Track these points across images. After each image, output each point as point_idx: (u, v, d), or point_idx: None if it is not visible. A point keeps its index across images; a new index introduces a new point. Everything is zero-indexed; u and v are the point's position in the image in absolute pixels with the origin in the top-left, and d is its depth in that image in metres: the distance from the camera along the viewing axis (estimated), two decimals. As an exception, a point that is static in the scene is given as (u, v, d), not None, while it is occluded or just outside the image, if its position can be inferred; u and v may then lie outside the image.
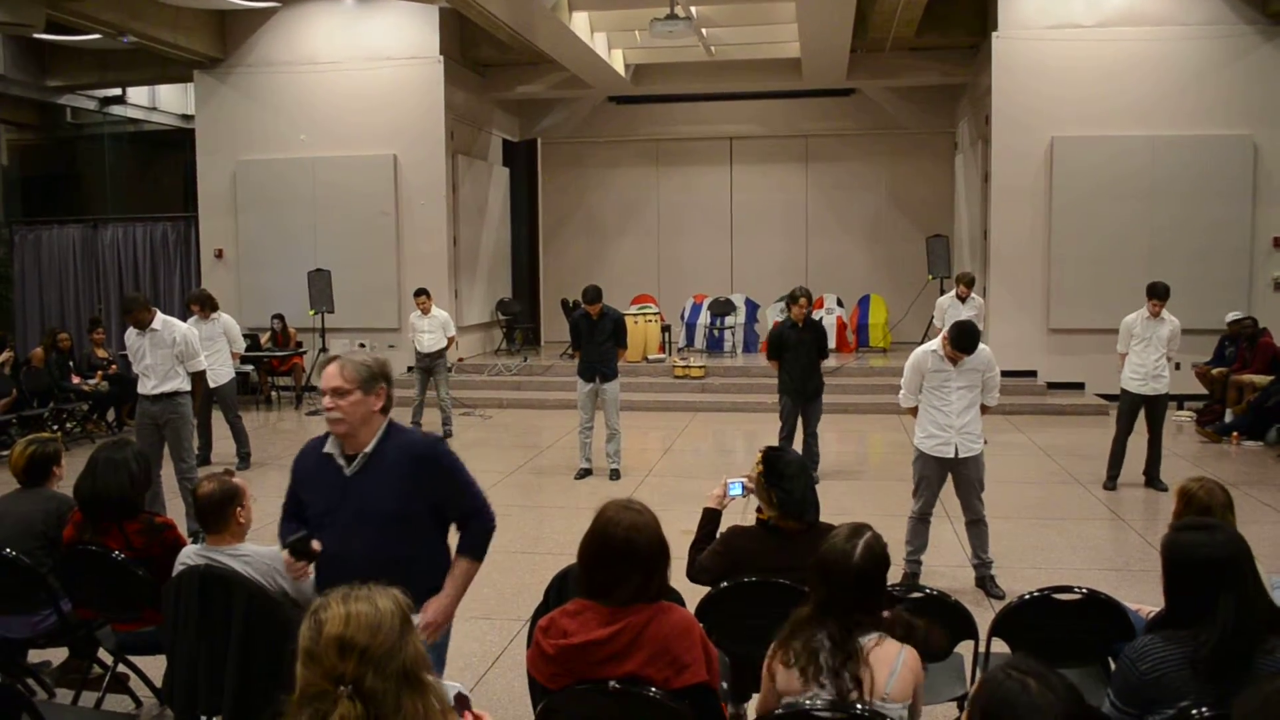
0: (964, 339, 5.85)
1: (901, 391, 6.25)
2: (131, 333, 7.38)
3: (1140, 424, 8.60)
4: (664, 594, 2.86)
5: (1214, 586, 2.67)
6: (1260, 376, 10.85)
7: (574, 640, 2.72)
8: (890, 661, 2.69)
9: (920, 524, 6.14)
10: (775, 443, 8.65)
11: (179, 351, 7.27)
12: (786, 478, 3.73)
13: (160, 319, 7.34)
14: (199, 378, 7.52)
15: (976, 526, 6.07)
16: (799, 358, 8.80)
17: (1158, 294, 8.42)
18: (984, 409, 6.10)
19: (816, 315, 15.18)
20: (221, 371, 9.64)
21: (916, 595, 3.70)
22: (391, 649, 2.02)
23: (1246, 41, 12.78)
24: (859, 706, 2.63)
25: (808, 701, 2.67)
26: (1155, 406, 8.52)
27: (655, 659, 2.71)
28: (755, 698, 3.56)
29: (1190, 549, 2.76)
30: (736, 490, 4.00)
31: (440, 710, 2.08)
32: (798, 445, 8.84)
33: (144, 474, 4.36)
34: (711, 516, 4.04)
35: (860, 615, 2.74)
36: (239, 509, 3.75)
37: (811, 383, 8.84)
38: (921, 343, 6.47)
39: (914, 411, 6.19)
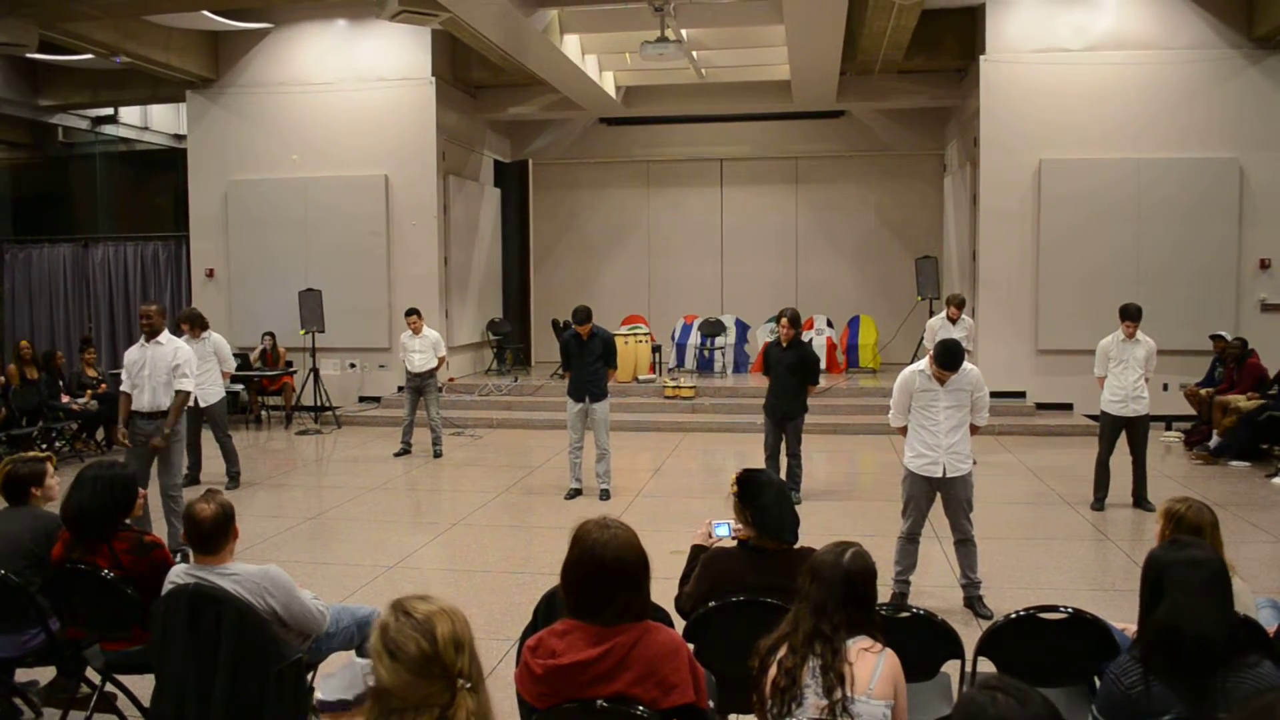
0: (947, 357, 5.89)
1: (891, 411, 6.28)
2: (135, 346, 7.44)
3: (1124, 445, 8.64)
4: (649, 611, 2.88)
5: (1189, 601, 2.73)
6: (1239, 396, 10.89)
7: (562, 660, 2.73)
8: (873, 661, 2.79)
9: (909, 544, 6.15)
10: (763, 463, 8.72)
11: (176, 366, 7.32)
12: (760, 497, 3.76)
13: (165, 334, 7.43)
14: (184, 397, 7.54)
15: (965, 546, 6.09)
16: (779, 378, 8.83)
17: (1130, 315, 8.49)
18: (973, 429, 6.13)
19: (806, 336, 15.27)
20: (212, 391, 9.63)
21: (904, 615, 3.72)
22: (471, 636, 2.12)
23: (1232, 65, 12.91)
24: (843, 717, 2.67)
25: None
26: (1136, 428, 8.55)
27: (643, 679, 2.72)
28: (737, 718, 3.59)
29: (1184, 568, 2.81)
30: (723, 531, 4.01)
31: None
32: (782, 466, 8.87)
33: (129, 493, 4.35)
34: (698, 553, 4.05)
35: (847, 615, 2.84)
36: (236, 527, 3.76)
37: (790, 404, 8.81)
38: (911, 363, 6.51)
39: (904, 431, 6.22)
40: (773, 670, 2.81)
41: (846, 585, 2.86)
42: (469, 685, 2.02)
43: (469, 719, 2.02)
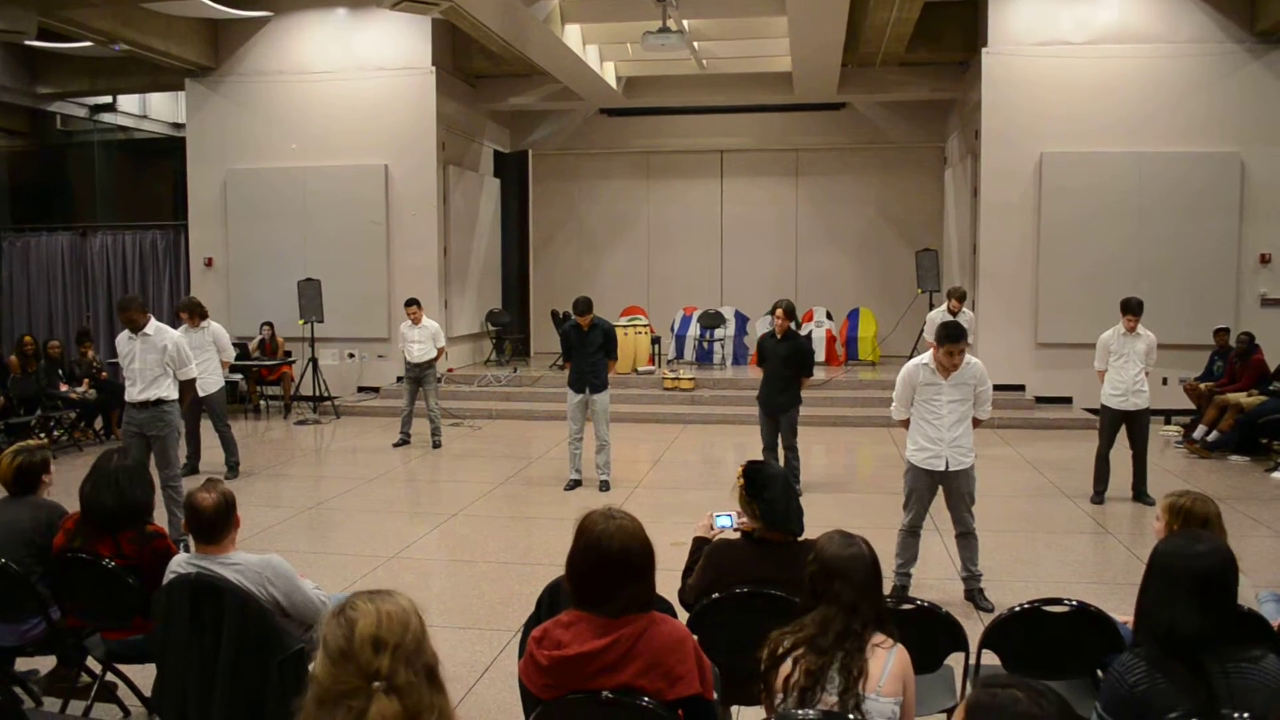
0: (950, 327, 5.93)
1: (894, 404, 6.28)
2: (124, 336, 7.39)
3: (1125, 438, 8.64)
4: (654, 602, 2.87)
5: (1198, 596, 2.72)
6: (1239, 394, 10.88)
7: (568, 651, 2.71)
8: (883, 658, 2.77)
9: (910, 537, 6.14)
10: (761, 455, 8.71)
11: (169, 358, 7.28)
12: (768, 490, 3.74)
13: (153, 324, 7.37)
14: (189, 386, 7.52)
15: (966, 539, 6.08)
16: (773, 369, 8.80)
17: (1131, 309, 8.50)
18: (975, 422, 6.13)
19: (806, 328, 15.26)
20: (211, 380, 9.61)
21: (907, 607, 3.71)
22: (419, 645, 2.08)
23: (1234, 59, 12.89)
24: (852, 716, 2.65)
25: (800, 713, 2.69)
26: (1137, 421, 8.56)
27: (649, 671, 2.70)
28: (740, 709, 3.58)
29: (1199, 559, 2.80)
30: (725, 522, 4.00)
31: (450, 707, 2.15)
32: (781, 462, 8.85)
33: (153, 484, 4.43)
34: (701, 545, 4.03)
35: (875, 610, 2.83)
36: (238, 516, 3.75)
37: (782, 396, 8.77)
38: (911, 356, 6.49)
39: (906, 424, 6.21)
40: (787, 667, 2.76)
41: (875, 579, 2.87)
42: (383, 688, 1.99)
43: None
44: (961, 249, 15.11)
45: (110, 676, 4.34)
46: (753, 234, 17.81)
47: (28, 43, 13.60)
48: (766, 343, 8.92)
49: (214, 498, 3.65)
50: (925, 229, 16.80)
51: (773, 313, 8.85)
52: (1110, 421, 8.65)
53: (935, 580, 6.45)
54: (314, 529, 8.12)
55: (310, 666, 2.09)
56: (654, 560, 2.85)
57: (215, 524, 3.65)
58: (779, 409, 8.80)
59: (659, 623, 2.78)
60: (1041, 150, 13.20)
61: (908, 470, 6.14)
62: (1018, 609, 3.64)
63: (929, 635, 3.61)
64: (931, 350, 6.03)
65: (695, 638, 2.88)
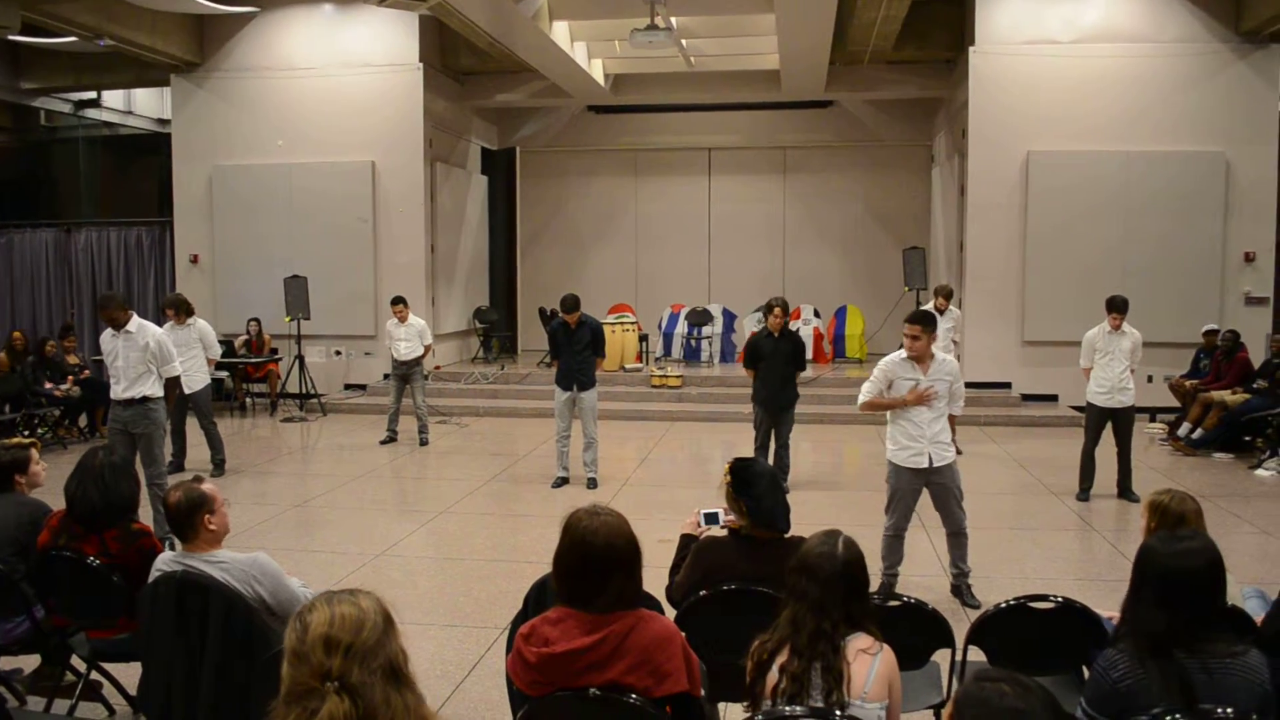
0: (918, 312, 6.05)
1: (862, 393, 6.18)
2: (107, 333, 7.36)
3: (1110, 435, 8.68)
4: (641, 598, 2.87)
5: (1167, 594, 2.74)
6: (1224, 392, 10.93)
7: (556, 649, 2.71)
8: (869, 663, 2.75)
9: (895, 540, 6.11)
10: (750, 452, 8.73)
11: (152, 355, 7.25)
12: (755, 487, 3.74)
13: (135, 321, 7.33)
14: (173, 383, 7.48)
15: (957, 538, 6.06)
16: (774, 368, 8.81)
17: (1117, 307, 8.54)
18: (951, 418, 6.14)
19: (794, 326, 15.27)
20: (197, 377, 9.57)
21: (894, 603, 3.72)
22: (375, 646, 2.09)
23: (1219, 59, 12.96)
24: (838, 714, 2.65)
25: (787, 709, 2.69)
26: (1122, 419, 8.60)
27: (637, 667, 2.71)
28: (727, 706, 3.58)
29: (1179, 558, 2.82)
30: (712, 520, 3.99)
31: (423, 704, 2.14)
32: (771, 456, 8.87)
33: (138, 480, 4.40)
34: (688, 542, 4.03)
35: (847, 610, 2.80)
36: (208, 515, 3.65)
37: (785, 394, 8.83)
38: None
39: (866, 408, 6.17)
40: (773, 676, 2.75)
41: (846, 578, 2.82)
42: (336, 688, 2.02)
43: None
44: (948, 247, 15.15)
45: (95, 675, 4.32)
46: (740, 232, 17.81)
47: (11, 37, 13.50)
48: (764, 342, 8.91)
49: (177, 495, 3.63)
50: (912, 227, 16.83)
51: (770, 310, 8.84)
52: (1095, 419, 8.69)
53: (921, 577, 6.47)
54: (301, 526, 8.10)
55: None
56: (640, 557, 2.85)
57: (179, 521, 3.63)
58: (784, 406, 8.84)
59: (647, 620, 2.78)
60: (1028, 149, 13.24)
61: (891, 472, 6.12)
62: (1004, 605, 3.65)
63: (915, 632, 3.62)
64: (907, 341, 6.02)
65: (683, 635, 2.88)
